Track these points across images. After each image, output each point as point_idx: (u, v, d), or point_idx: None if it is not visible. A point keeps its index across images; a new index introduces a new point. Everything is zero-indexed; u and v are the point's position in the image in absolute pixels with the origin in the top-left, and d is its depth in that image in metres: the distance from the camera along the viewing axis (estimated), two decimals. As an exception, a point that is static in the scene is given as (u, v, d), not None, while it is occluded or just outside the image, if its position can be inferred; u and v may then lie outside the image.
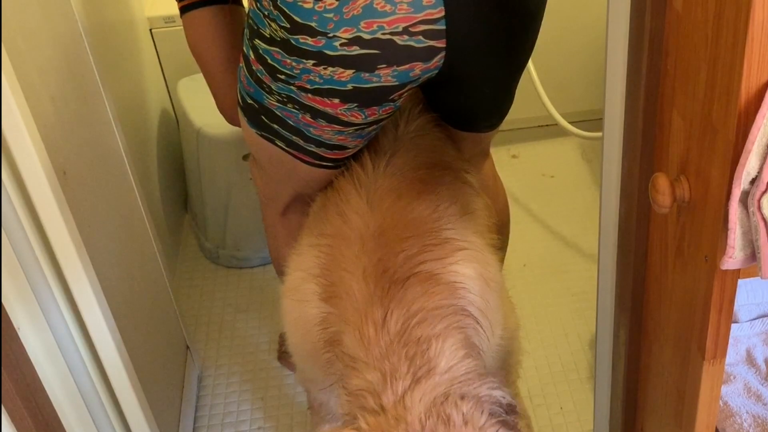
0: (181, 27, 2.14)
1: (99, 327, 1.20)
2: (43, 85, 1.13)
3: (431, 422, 0.99)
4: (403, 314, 1.10)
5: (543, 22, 1.34)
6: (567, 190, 2.35)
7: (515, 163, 2.46)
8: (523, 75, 1.45)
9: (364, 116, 1.21)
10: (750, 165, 0.75)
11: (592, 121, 2.35)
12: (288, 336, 1.34)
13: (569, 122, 2.27)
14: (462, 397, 1.02)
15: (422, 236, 1.19)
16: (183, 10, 1.40)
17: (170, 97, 2.28)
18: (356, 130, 1.24)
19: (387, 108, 1.21)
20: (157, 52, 2.21)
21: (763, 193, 0.75)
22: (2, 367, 0.97)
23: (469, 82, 1.28)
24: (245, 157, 1.97)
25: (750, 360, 1.29)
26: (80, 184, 1.20)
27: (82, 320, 1.19)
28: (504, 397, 1.07)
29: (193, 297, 2.09)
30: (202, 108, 2.01)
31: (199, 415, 1.78)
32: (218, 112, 2.00)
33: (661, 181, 0.87)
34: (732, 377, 1.25)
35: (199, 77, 2.11)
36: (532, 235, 2.20)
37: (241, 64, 1.29)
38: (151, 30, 2.18)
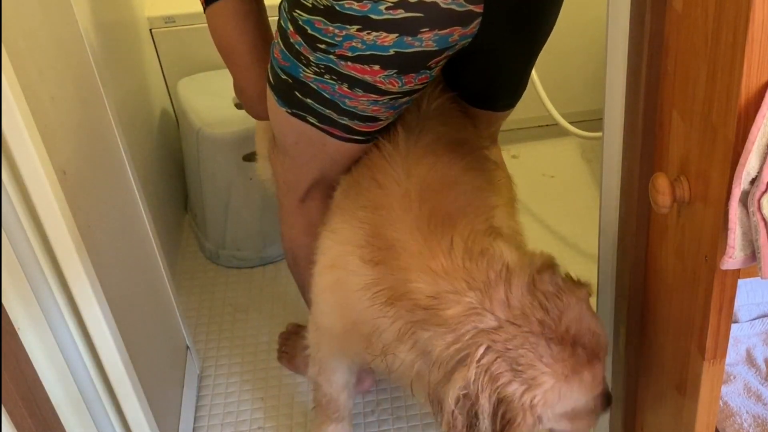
0: (181, 27, 2.16)
1: (99, 327, 1.20)
2: (43, 85, 1.13)
3: (537, 303, 1.06)
4: (462, 238, 1.13)
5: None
6: (567, 190, 2.35)
7: (515, 163, 2.46)
8: (523, 75, 1.46)
9: (401, 84, 1.23)
10: (750, 165, 0.75)
11: (592, 121, 2.34)
12: (322, 313, 1.34)
13: (569, 122, 2.27)
14: (539, 272, 1.11)
15: (462, 194, 1.24)
16: (207, 2, 1.41)
17: (170, 97, 2.28)
18: (391, 99, 1.26)
19: (423, 76, 1.24)
20: (157, 52, 2.21)
21: (763, 193, 0.75)
22: (2, 367, 0.97)
23: (495, 55, 1.31)
24: (245, 157, 1.97)
25: (750, 360, 1.29)
26: (80, 184, 1.20)
27: (82, 320, 1.19)
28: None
29: (193, 297, 2.09)
30: (202, 108, 2.01)
31: (199, 415, 1.78)
32: (218, 112, 2.01)
33: (661, 181, 0.87)
34: (732, 377, 1.25)
35: (199, 77, 2.12)
36: (531, 235, 2.19)
37: (275, 41, 1.30)
38: (151, 30, 2.18)
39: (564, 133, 2.32)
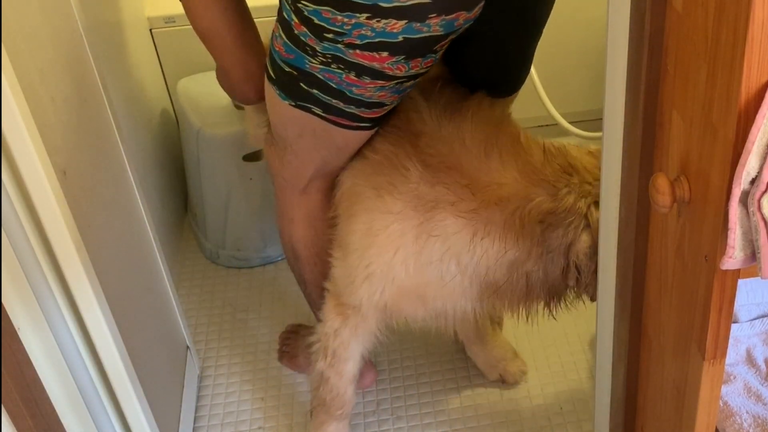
0: (181, 27, 2.16)
1: (99, 327, 1.20)
2: (43, 86, 1.13)
3: (580, 155, 1.35)
4: (532, 153, 1.36)
5: (544, 22, 1.36)
6: (567, 190, 2.34)
7: (515, 163, 2.45)
8: (523, 75, 1.46)
9: (407, 68, 1.25)
10: (750, 165, 0.75)
11: (592, 121, 2.34)
12: (392, 282, 1.37)
13: (569, 122, 2.27)
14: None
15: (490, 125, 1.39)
16: None
17: (170, 97, 2.27)
18: (396, 83, 1.28)
19: (428, 60, 1.26)
20: (157, 52, 2.21)
21: (763, 193, 0.75)
22: (2, 367, 0.97)
23: (492, 39, 1.35)
24: (245, 157, 1.97)
25: (750, 360, 1.29)
26: (80, 184, 1.20)
27: (82, 320, 1.19)
28: None
29: (193, 297, 2.09)
30: (202, 108, 2.01)
31: (199, 415, 1.78)
32: (218, 112, 2.01)
33: (661, 181, 0.87)
34: (732, 377, 1.25)
35: (199, 77, 2.12)
36: (532, 235, 2.19)
37: (276, 33, 1.30)
38: (151, 30, 2.18)
39: (564, 133, 2.32)
